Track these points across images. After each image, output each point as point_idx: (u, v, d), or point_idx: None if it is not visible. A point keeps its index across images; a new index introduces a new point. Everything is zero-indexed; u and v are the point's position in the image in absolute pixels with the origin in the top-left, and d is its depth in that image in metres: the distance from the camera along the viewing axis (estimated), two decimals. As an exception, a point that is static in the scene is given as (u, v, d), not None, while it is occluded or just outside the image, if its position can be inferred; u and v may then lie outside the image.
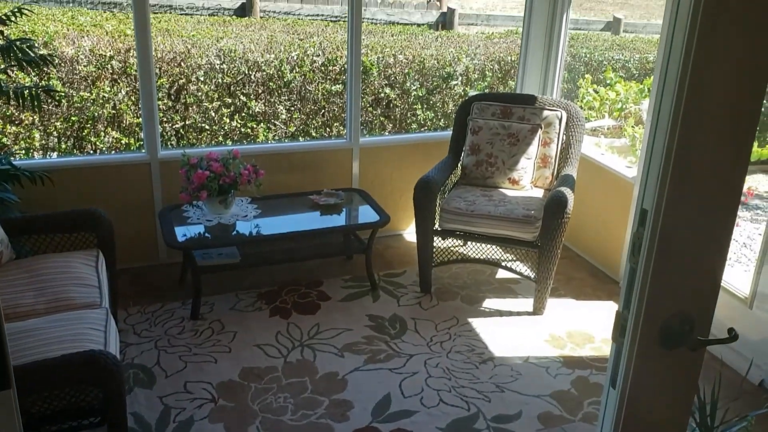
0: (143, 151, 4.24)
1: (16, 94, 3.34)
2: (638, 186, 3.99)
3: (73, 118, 5.38)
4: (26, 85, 3.50)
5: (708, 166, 1.40)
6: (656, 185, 1.39)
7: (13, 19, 3.35)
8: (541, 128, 4.18)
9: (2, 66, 3.49)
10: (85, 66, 5.33)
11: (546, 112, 4.23)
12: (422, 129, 6.36)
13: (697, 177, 1.39)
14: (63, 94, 5.16)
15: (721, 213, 1.45)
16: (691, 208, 1.41)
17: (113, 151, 5.53)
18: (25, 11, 3.54)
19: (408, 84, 6.19)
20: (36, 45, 3.54)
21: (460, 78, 6.34)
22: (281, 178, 4.45)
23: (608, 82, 5.25)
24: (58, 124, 5.37)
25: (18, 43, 3.30)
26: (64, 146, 5.47)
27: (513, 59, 6.39)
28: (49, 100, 4.67)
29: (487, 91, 6.37)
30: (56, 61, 5.11)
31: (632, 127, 4.48)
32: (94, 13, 6.57)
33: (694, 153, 1.37)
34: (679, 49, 1.31)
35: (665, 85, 1.36)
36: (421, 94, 6.25)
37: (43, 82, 5.11)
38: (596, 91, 5.09)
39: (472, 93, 6.21)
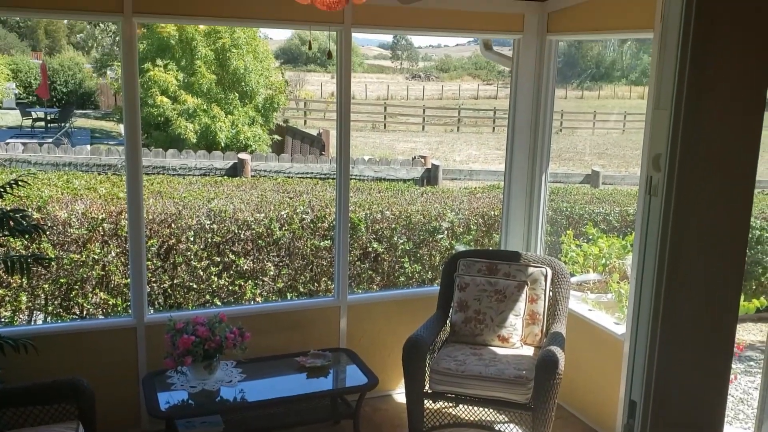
0: (129, 313, 4.21)
1: (5, 262, 3.36)
2: (628, 343, 3.99)
3: (61, 280, 5.38)
4: (16, 254, 3.52)
5: (697, 321, 1.40)
6: (645, 350, 1.38)
7: (9, 190, 3.44)
8: (527, 285, 4.22)
9: (-6, 236, 3.54)
10: (77, 229, 5.41)
11: (531, 269, 4.29)
12: (410, 281, 6.40)
13: (686, 332, 1.39)
14: (52, 259, 5.20)
15: (715, 367, 1.44)
16: (684, 364, 1.40)
17: (100, 313, 5.49)
18: (22, 182, 3.64)
19: (395, 238, 6.30)
20: (29, 213, 3.62)
21: (445, 232, 6.47)
22: (267, 339, 4.39)
23: (590, 237, 5.38)
24: (47, 286, 5.36)
25: (12, 213, 3.36)
26: (50, 307, 5.43)
27: (496, 213, 6.56)
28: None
29: (472, 244, 6.48)
30: (47, 228, 5.19)
31: (617, 282, 4.53)
32: (89, 176, 6.78)
33: (681, 309, 1.38)
34: (657, 214, 1.35)
35: (647, 245, 1.39)
36: (408, 248, 6.34)
37: (34, 246, 5.16)
38: (579, 246, 5.20)
39: (458, 246, 6.32)
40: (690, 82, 1.22)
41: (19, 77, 25.10)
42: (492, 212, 6.58)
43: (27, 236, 3.46)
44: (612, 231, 6.91)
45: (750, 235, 7.25)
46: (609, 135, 26.29)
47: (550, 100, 4.67)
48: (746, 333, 6.32)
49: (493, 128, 28.37)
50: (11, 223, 3.29)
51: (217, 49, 12.91)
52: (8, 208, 3.46)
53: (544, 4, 4.51)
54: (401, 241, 6.30)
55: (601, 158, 20.79)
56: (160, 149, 10.33)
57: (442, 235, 6.40)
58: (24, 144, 12.13)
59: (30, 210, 5.27)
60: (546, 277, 4.27)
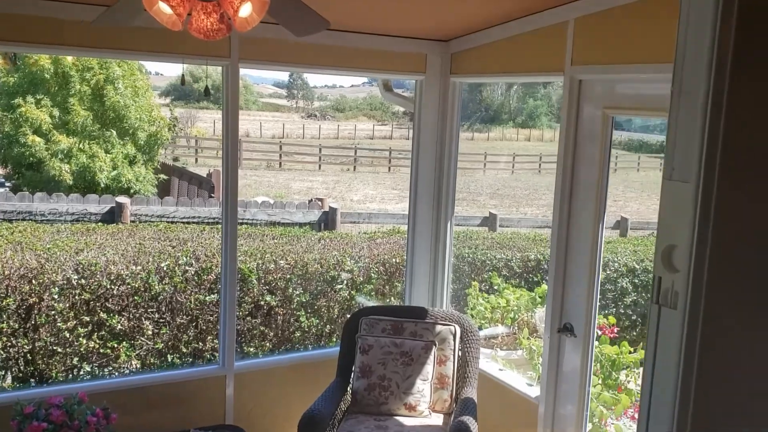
0: (-34, 396, 3.50)
1: None
2: (543, 406, 3.71)
3: None
4: None
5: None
6: None
7: None
8: (436, 345, 3.86)
9: None
10: None
11: (439, 327, 3.94)
12: (307, 336, 5.92)
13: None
14: None
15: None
16: None
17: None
18: None
19: (291, 290, 5.83)
20: None
21: (345, 281, 6.06)
22: (140, 418, 3.78)
23: (496, 288, 5.13)
24: None
25: None
26: None
27: (398, 261, 6.23)
28: None
29: (373, 294, 6.10)
30: None
31: (527, 338, 4.28)
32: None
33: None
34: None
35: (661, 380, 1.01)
36: (304, 300, 5.88)
37: None
38: (486, 300, 4.94)
39: (359, 298, 5.92)
40: (728, 145, 0.84)
41: None
42: (393, 259, 6.24)
43: None
44: (513, 277, 6.75)
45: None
46: (499, 175, 26.95)
47: (454, 142, 4.41)
48: None
49: (389, 168, 28.47)
50: None
51: (93, 84, 12.04)
52: None
53: (447, 45, 4.28)
54: (297, 292, 5.83)
55: (493, 198, 21.18)
56: (27, 192, 9.37)
57: (341, 285, 5.99)
58: None
59: None
60: (455, 335, 3.93)
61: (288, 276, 5.80)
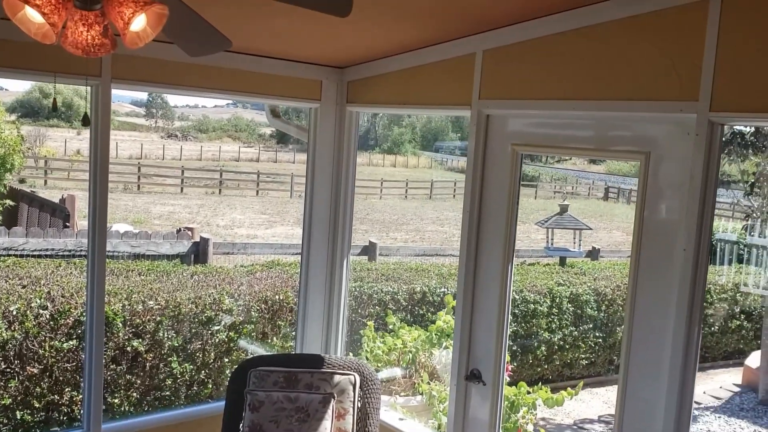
0: None
1: None
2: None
3: None
4: None
5: None
6: None
7: None
8: (334, 398, 3.53)
9: None
10: None
11: (337, 377, 3.61)
12: (178, 384, 5.38)
13: None
14: None
15: None
16: None
17: None
18: None
19: (161, 333, 5.27)
20: None
21: (222, 322, 5.58)
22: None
23: (391, 327, 4.89)
24: None
25: None
26: None
27: (281, 297, 5.84)
28: None
29: (253, 336, 5.67)
30: None
31: (428, 383, 4.05)
32: None
33: None
34: None
35: None
36: (176, 344, 5.35)
37: None
38: (383, 341, 4.68)
39: (242, 342, 5.46)
40: None
41: None
42: (276, 296, 5.84)
43: None
44: (400, 311, 6.56)
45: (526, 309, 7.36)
46: (368, 200, 27.11)
47: (351, 171, 4.14)
48: None
49: (257, 191, 27.82)
50: None
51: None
52: None
53: (342, 72, 4.01)
54: (168, 335, 5.29)
55: (363, 224, 21.18)
56: None
57: (218, 327, 5.50)
58: None
59: None
60: (354, 385, 3.62)
61: (158, 318, 5.25)
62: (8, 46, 2.90)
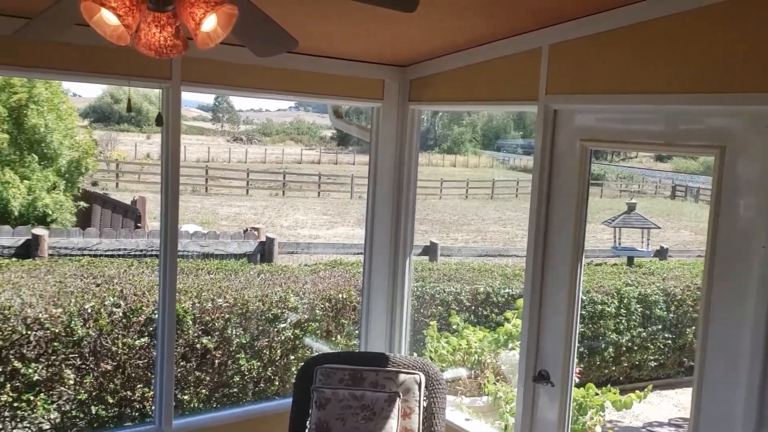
0: None
1: None
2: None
3: None
4: None
5: None
6: None
7: None
8: (400, 396, 3.53)
9: None
10: None
11: (402, 376, 3.61)
12: (246, 380, 5.48)
13: None
14: None
15: None
16: None
17: None
18: None
19: (229, 331, 5.38)
20: None
21: (288, 320, 5.65)
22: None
23: (454, 327, 4.85)
24: None
25: None
26: None
27: (344, 296, 5.88)
28: None
29: (318, 333, 5.72)
30: None
31: (494, 384, 4.00)
32: None
33: None
34: None
35: None
36: (244, 342, 5.44)
37: None
38: (447, 341, 4.64)
39: (307, 340, 5.52)
40: None
41: None
42: (339, 295, 5.87)
43: None
44: (463, 311, 6.51)
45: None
46: (428, 201, 27.05)
47: (413, 172, 4.13)
48: None
49: (318, 193, 28.14)
50: None
51: (12, 105, 11.22)
52: None
53: (404, 71, 4.01)
54: (236, 333, 5.39)
55: (423, 224, 21.14)
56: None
57: (284, 324, 5.58)
58: None
59: None
60: (420, 384, 3.61)
61: (226, 316, 5.36)
62: (85, 50, 3.01)
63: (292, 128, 55.72)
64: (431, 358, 4.76)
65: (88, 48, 2.99)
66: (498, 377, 4.20)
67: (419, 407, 3.58)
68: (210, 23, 1.65)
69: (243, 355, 5.43)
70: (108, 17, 1.57)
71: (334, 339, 5.83)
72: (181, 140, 3.50)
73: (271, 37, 2.07)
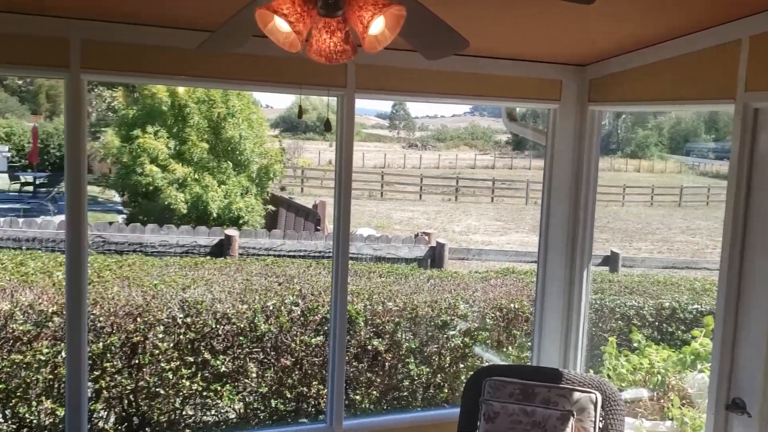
0: None
1: None
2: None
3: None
4: None
5: None
6: None
7: None
8: (573, 416, 3.33)
9: None
10: (21, 324, 4.53)
11: (577, 394, 3.40)
12: (415, 385, 5.49)
13: None
14: None
15: None
16: None
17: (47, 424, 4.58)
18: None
19: (399, 334, 5.42)
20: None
21: (457, 327, 5.60)
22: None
23: (635, 345, 4.51)
24: (-21, 393, 4.46)
25: None
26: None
27: (516, 306, 5.71)
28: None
29: (488, 343, 5.60)
30: None
31: (679, 408, 3.65)
32: (49, 256, 5.93)
33: None
34: None
35: None
36: (413, 346, 5.46)
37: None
38: (627, 359, 4.33)
39: (477, 349, 5.42)
40: None
41: (12, 140, 24.56)
42: (511, 305, 5.71)
43: None
44: (645, 327, 6.06)
45: None
46: (609, 208, 25.77)
47: (593, 176, 3.89)
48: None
49: (492, 198, 27.89)
50: None
51: (212, 118, 12.30)
52: None
53: (584, 70, 3.79)
54: (406, 337, 5.42)
55: (603, 232, 20.14)
56: (138, 224, 9.54)
57: (454, 332, 5.52)
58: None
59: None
60: (595, 404, 3.38)
61: (396, 319, 5.41)
62: (261, 61, 3.16)
63: (467, 133, 55.80)
64: (609, 377, 4.46)
65: (269, 60, 3.13)
66: (684, 401, 3.84)
67: (594, 428, 3.36)
68: (378, 26, 1.63)
69: (412, 360, 5.45)
70: (281, 25, 1.61)
71: (504, 350, 5.68)
72: (358, 149, 3.58)
73: (441, 39, 2.02)
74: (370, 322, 5.36)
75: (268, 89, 3.35)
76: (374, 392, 5.41)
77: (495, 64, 3.60)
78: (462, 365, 5.57)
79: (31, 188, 18.93)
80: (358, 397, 5.37)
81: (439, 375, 5.56)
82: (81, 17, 2.94)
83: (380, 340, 5.38)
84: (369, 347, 5.37)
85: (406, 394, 5.51)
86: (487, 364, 5.39)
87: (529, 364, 4.18)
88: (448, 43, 2.07)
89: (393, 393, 5.51)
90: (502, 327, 5.67)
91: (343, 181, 3.54)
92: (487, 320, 5.62)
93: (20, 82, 32.68)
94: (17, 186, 19.03)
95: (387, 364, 5.46)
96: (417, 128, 61.75)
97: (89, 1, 2.77)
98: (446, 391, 5.56)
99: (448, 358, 5.55)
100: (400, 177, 30.84)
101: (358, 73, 3.39)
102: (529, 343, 4.91)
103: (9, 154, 24.11)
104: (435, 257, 8.89)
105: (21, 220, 9.13)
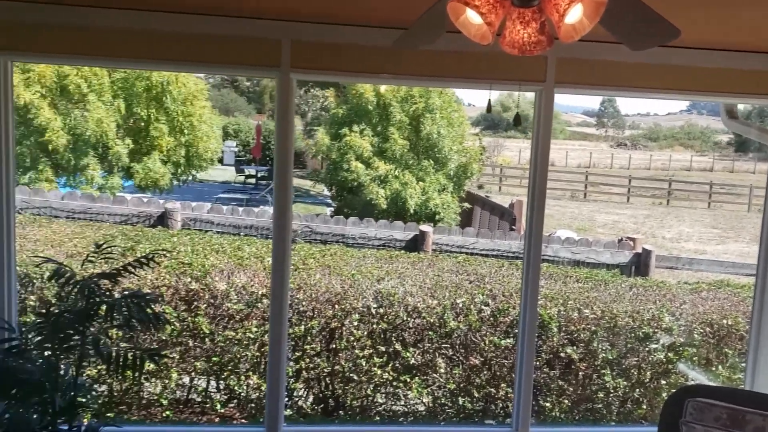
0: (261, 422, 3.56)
1: (117, 355, 2.84)
2: None
3: (214, 359, 4.95)
4: (129, 347, 2.99)
5: None
6: None
7: (132, 270, 2.94)
8: (794, 452, 2.93)
9: (105, 326, 3.05)
10: (234, 304, 4.97)
11: (800, 428, 2.99)
12: (610, 398, 5.19)
13: None
14: (164, 356, 4.62)
15: None
16: None
17: (253, 396, 4.99)
18: (158, 258, 3.16)
19: (595, 344, 5.16)
20: (152, 297, 3.09)
21: (660, 341, 5.20)
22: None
23: None
24: (198, 364, 4.96)
25: (131, 300, 2.84)
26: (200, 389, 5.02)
27: (730, 323, 5.17)
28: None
29: (695, 361, 5.14)
30: (172, 318, 4.74)
31: None
32: (261, 243, 6.44)
33: None
34: None
35: None
36: (610, 357, 5.16)
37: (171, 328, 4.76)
38: None
39: (681, 366, 5.01)
40: None
41: (239, 137, 27.07)
42: (723, 321, 5.19)
43: (142, 329, 2.93)
44: None
45: None
46: None
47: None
48: None
49: (709, 204, 25.60)
50: (125, 311, 2.75)
51: (411, 113, 12.60)
52: (127, 292, 2.94)
53: (824, 58, 3.31)
54: (602, 347, 5.14)
55: None
56: (341, 217, 10.07)
57: (656, 345, 5.14)
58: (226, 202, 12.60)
59: (190, 280, 4.93)
60: (823, 442, 2.95)
61: (593, 328, 5.15)
62: (462, 58, 3.14)
63: (682, 133, 51.89)
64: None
65: (465, 55, 3.11)
66: None
67: (821, 470, 2.93)
68: (575, 14, 1.54)
69: (608, 372, 5.16)
70: (472, 17, 1.57)
71: (713, 369, 5.17)
72: (552, 145, 3.45)
73: (648, 27, 1.86)
74: (564, 328, 5.16)
75: (463, 85, 3.34)
76: (566, 401, 5.21)
77: (713, 56, 3.27)
78: (664, 382, 5.17)
79: (253, 180, 20.71)
80: (548, 404, 5.20)
81: (637, 390, 5.20)
82: (291, 19, 3.14)
83: (574, 348, 5.16)
84: (562, 354, 5.17)
85: (600, 406, 5.23)
86: (692, 382, 4.95)
87: (742, 387, 3.76)
88: (656, 33, 1.90)
89: (586, 404, 5.25)
90: (712, 344, 5.17)
91: (537, 180, 3.43)
92: (695, 335, 5.16)
93: (248, 84, 36.03)
94: (242, 178, 20.93)
95: (581, 373, 5.22)
96: (627, 126, 58.56)
97: (298, 3, 2.94)
98: (644, 407, 5.19)
99: (648, 373, 5.18)
100: (606, 177, 29.43)
101: (558, 67, 3.25)
102: (743, 364, 4.42)
103: (236, 149, 26.63)
104: (640, 264, 8.34)
105: (241, 209, 10.06)
